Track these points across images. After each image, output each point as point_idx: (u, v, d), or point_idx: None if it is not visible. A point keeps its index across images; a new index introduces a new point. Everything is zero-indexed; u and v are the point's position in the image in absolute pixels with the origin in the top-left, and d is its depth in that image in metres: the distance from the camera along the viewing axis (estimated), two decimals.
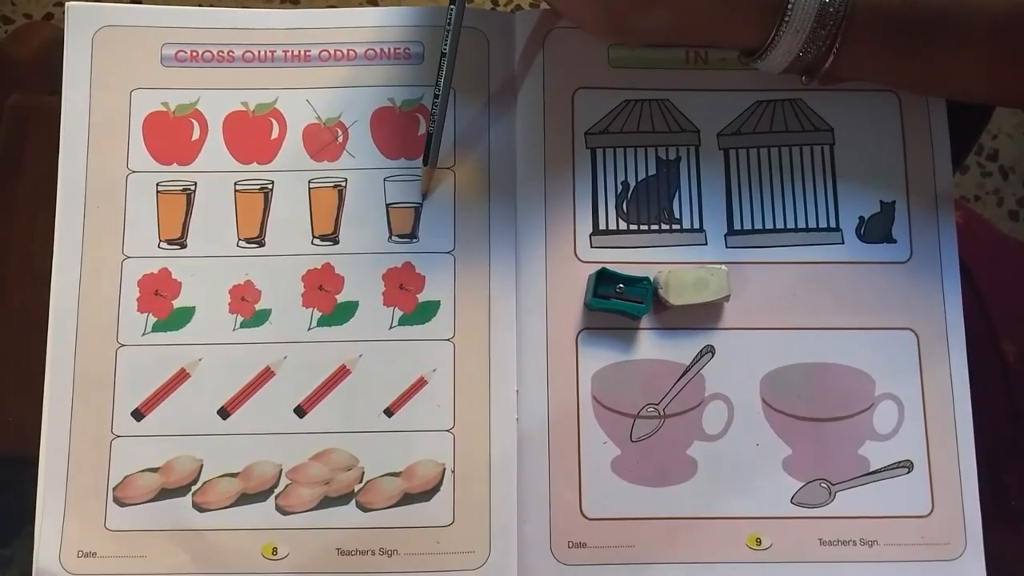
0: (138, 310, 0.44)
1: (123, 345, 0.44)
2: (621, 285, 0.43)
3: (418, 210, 0.45)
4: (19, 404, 0.49)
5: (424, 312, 0.44)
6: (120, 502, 0.43)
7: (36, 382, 0.44)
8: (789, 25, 0.39)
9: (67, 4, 0.46)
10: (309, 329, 0.44)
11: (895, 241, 0.45)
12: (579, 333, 0.44)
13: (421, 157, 0.44)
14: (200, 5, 0.49)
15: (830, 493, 0.43)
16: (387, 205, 0.45)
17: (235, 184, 0.45)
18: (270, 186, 0.45)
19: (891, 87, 0.46)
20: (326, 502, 0.43)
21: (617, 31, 0.44)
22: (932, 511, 0.43)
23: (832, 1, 0.38)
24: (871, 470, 0.43)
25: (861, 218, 0.45)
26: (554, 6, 0.44)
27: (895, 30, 0.39)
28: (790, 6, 0.38)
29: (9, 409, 0.50)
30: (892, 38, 0.39)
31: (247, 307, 0.44)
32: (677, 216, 0.45)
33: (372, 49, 0.47)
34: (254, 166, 0.46)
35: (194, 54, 0.47)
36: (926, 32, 0.39)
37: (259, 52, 0.47)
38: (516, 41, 0.47)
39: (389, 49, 0.47)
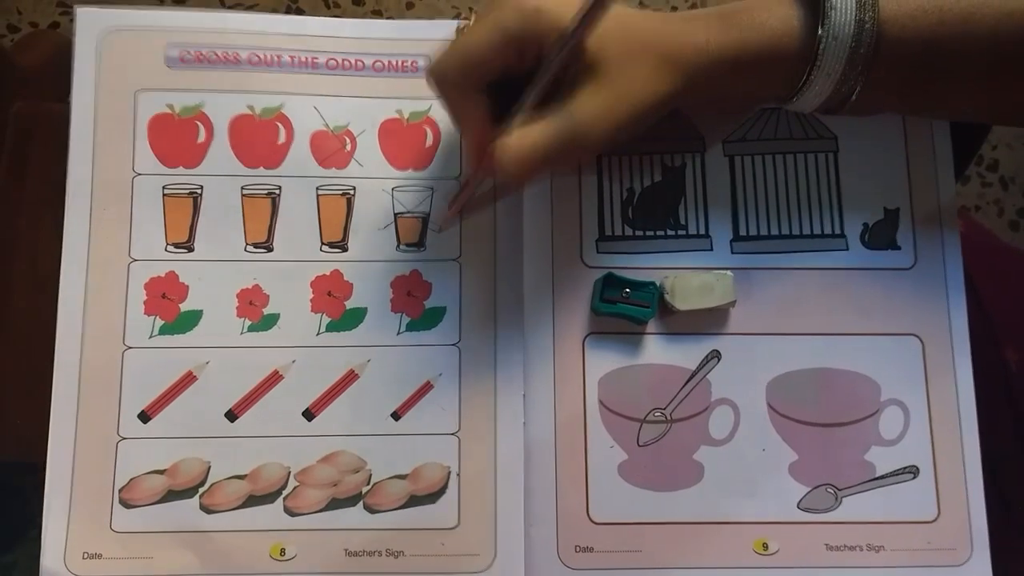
0: (145, 313, 0.44)
1: (130, 347, 0.44)
2: (627, 290, 0.43)
3: (425, 219, 0.46)
4: (24, 409, 0.49)
5: (431, 318, 0.45)
6: (126, 504, 0.43)
7: (41, 388, 0.44)
8: (820, 71, 0.38)
9: (76, 8, 0.47)
10: (318, 334, 0.44)
11: (899, 248, 0.45)
12: (586, 338, 0.44)
13: (455, 200, 0.44)
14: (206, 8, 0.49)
15: (836, 498, 0.43)
16: (395, 215, 0.46)
17: (242, 188, 0.46)
18: (278, 191, 0.46)
19: (904, 115, 0.46)
20: (334, 504, 0.43)
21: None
22: (938, 516, 0.43)
23: (857, 56, 0.38)
24: (877, 475, 0.43)
25: (865, 225, 0.46)
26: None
27: (916, 70, 0.39)
28: (817, 64, 0.38)
29: (14, 414, 0.50)
30: (912, 76, 0.39)
31: (255, 311, 0.44)
32: (683, 222, 0.46)
33: (380, 61, 0.47)
34: (261, 170, 0.46)
35: (199, 56, 0.47)
36: (944, 70, 0.39)
37: (265, 56, 0.47)
38: None
39: (396, 62, 0.47)
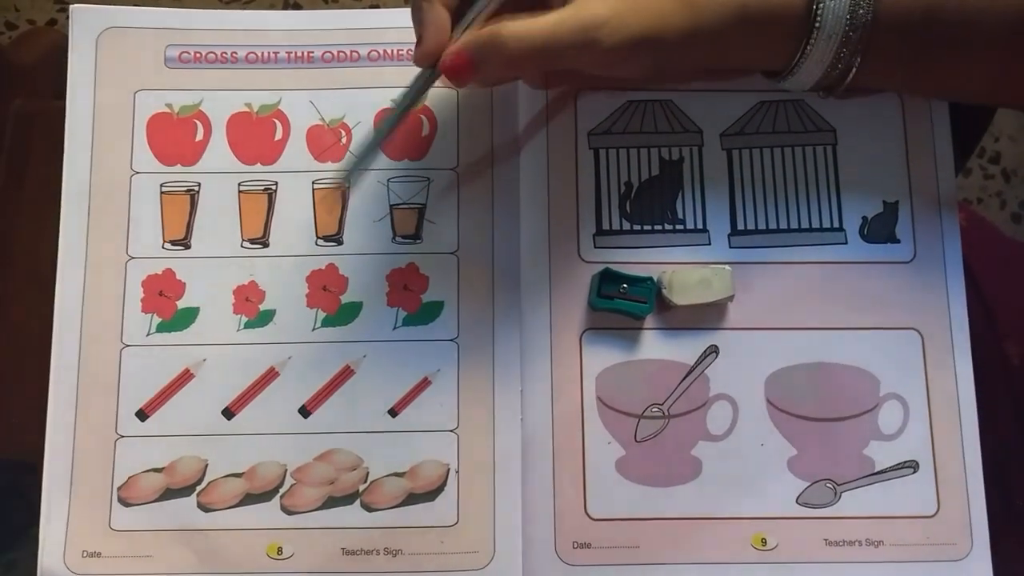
0: (142, 311, 0.44)
1: (127, 345, 0.44)
2: (625, 285, 0.43)
3: (422, 211, 0.45)
4: (23, 408, 0.49)
5: (428, 313, 0.44)
6: (125, 502, 0.43)
7: (40, 386, 0.44)
8: (816, 46, 0.39)
9: (71, 6, 0.47)
10: (313, 330, 0.44)
11: (899, 241, 0.45)
12: (583, 333, 0.44)
13: (348, 163, 0.41)
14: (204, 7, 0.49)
15: (836, 493, 0.43)
16: (391, 206, 0.45)
17: (239, 185, 0.46)
18: (274, 187, 0.46)
19: (904, 93, 0.46)
20: (331, 502, 0.43)
21: (655, 79, 0.45)
22: (938, 511, 0.43)
23: (857, 16, 0.38)
24: (876, 470, 0.43)
25: (864, 218, 0.45)
26: (595, 71, 0.42)
27: (916, 38, 0.39)
28: (817, 25, 0.38)
29: (13, 413, 0.50)
30: (912, 46, 0.39)
31: (251, 308, 0.44)
32: (680, 216, 0.45)
33: (375, 51, 0.47)
34: (258, 167, 0.46)
35: (197, 55, 0.47)
36: (944, 38, 0.39)
37: (262, 53, 0.47)
38: None
39: (392, 51, 0.47)
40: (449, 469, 0.43)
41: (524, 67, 0.39)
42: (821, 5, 0.38)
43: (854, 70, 0.40)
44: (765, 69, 0.43)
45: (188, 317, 0.44)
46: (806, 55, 0.40)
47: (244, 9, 0.48)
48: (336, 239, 0.45)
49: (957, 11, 0.38)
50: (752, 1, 0.39)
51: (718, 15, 0.39)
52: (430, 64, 0.39)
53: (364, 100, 0.46)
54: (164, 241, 0.45)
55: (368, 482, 0.43)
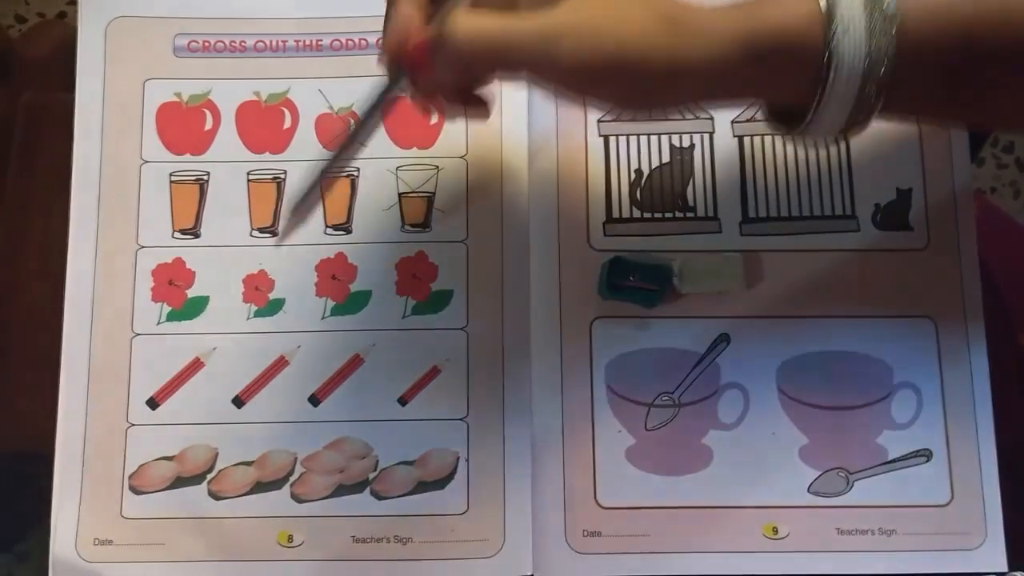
0: (152, 299, 0.44)
1: (138, 334, 0.44)
2: (635, 273, 0.43)
3: (430, 200, 0.45)
4: (34, 399, 0.49)
5: (437, 301, 0.44)
6: (136, 490, 0.43)
7: (51, 378, 0.44)
8: (831, 95, 0.32)
9: None
10: (323, 318, 0.44)
11: (912, 228, 0.45)
12: (593, 321, 0.44)
13: (294, 204, 0.39)
14: None
15: (848, 482, 0.43)
16: (400, 195, 0.45)
17: (248, 174, 0.46)
18: (283, 176, 0.46)
19: (938, 124, 0.44)
20: (341, 490, 0.43)
21: (644, 110, 0.42)
22: (951, 500, 0.42)
23: (875, 65, 0.31)
24: (889, 459, 0.43)
25: (877, 205, 0.45)
26: (567, 92, 0.35)
27: (941, 81, 0.33)
28: (831, 78, 0.31)
29: (24, 404, 0.50)
30: (937, 88, 0.33)
31: (261, 296, 0.44)
32: (691, 204, 0.45)
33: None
34: (267, 156, 0.46)
35: (207, 44, 0.47)
36: (972, 73, 0.33)
37: (271, 42, 0.47)
38: None
39: None
40: (459, 457, 0.43)
41: (477, 70, 0.33)
42: (836, 29, 0.31)
43: (878, 110, 0.33)
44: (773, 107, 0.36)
45: (198, 306, 0.44)
46: (829, 90, 0.32)
47: None
48: (345, 228, 0.45)
49: (981, 47, 0.31)
50: (761, 31, 0.31)
51: (715, 44, 0.31)
52: (390, 63, 0.34)
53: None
54: (174, 230, 0.45)
55: (378, 470, 0.43)
